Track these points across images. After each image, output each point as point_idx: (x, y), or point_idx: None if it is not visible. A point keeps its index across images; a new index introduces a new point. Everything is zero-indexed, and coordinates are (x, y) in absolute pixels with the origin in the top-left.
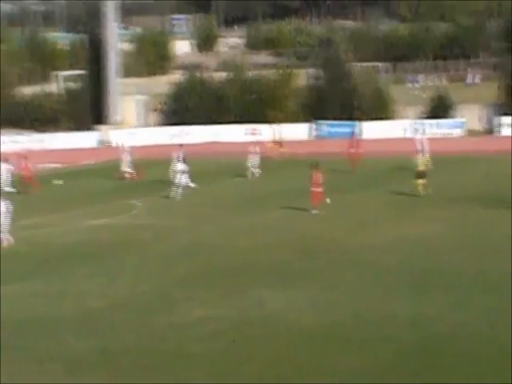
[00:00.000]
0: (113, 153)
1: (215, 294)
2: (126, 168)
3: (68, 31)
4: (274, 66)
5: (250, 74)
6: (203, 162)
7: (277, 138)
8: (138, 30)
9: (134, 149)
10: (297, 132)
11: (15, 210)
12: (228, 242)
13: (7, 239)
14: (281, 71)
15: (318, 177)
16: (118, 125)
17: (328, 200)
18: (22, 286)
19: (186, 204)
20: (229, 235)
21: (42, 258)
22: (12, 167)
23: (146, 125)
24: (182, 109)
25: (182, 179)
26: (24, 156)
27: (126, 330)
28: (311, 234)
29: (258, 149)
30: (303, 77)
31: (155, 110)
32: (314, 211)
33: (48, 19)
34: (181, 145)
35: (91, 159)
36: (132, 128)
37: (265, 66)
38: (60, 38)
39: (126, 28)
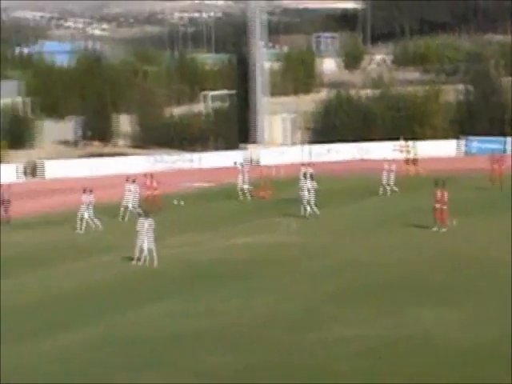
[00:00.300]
0: (256, 172)
1: (361, 311)
2: (244, 186)
3: (216, 52)
4: (421, 82)
5: (398, 90)
6: (348, 179)
7: (412, 155)
8: (285, 48)
9: (280, 167)
10: (445, 148)
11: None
12: (373, 258)
13: (152, 258)
14: (428, 87)
15: (444, 194)
16: (265, 144)
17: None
18: (167, 303)
19: (326, 222)
20: (373, 252)
21: (185, 276)
22: (138, 187)
23: (293, 143)
24: (328, 126)
25: (310, 198)
26: (150, 175)
27: (271, 347)
28: (451, 250)
29: (393, 166)
30: (451, 93)
31: (305, 129)
32: (442, 229)
33: (196, 40)
34: (309, 163)
35: (234, 178)
36: (279, 146)
37: (412, 82)
38: (208, 59)
39: (273, 47)
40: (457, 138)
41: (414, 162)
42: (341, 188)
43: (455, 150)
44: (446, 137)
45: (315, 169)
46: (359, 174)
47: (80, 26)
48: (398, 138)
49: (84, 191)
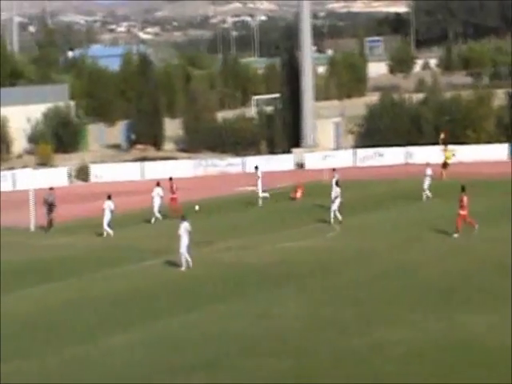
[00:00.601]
0: (308, 175)
1: (413, 315)
2: (262, 193)
3: (261, 55)
4: (471, 86)
5: (447, 94)
6: (392, 183)
7: (445, 159)
8: (330, 52)
9: (324, 171)
10: (495, 153)
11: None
12: (426, 262)
13: (187, 261)
14: (478, 91)
15: (464, 200)
16: (312, 147)
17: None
18: (221, 307)
19: (377, 225)
20: (425, 256)
21: (239, 280)
22: (162, 191)
23: (341, 147)
24: (375, 131)
25: (333, 205)
26: (170, 180)
27: (323, 350)
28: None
29: (430, 171)
30: (502, 97)
31: (351, 133)
32: (455, 235)
33: (242, 44)
34: (333, 169)
35: (286, 182)
36: (326, 150)
37: (462, 86)
38: (256, 63)
39: (320, 51)
40: (509, 142)
41: (445, 166)
42: (383, 192)
43: (506, 154)
44: (497, 141)
45: (360, 173)
46: (404, 178)
47: (130, 29)
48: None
49: (109, 197)
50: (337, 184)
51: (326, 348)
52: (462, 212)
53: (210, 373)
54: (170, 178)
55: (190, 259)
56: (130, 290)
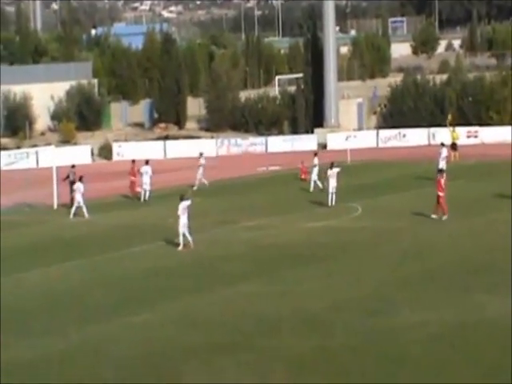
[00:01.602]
0: (331, 156)
1: (435, 296)
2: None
3: (285, 35)
4: (494, 67)
5: (470, 75)
6: (414, 164)
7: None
8: (353, 32)
9: (346, 152)
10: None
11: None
12: (448, 244)
13: (188, 241)
14: (504, 73)
15: (441, 182)
16: (335, 128)
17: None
18: (243, 286)
19: (400, 207)
20: (447, 237)
21: (262, 259)
22: (150, 169)
23: (364, 128)
24: (398, 112)
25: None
26: (132, 162)
27: (347, 331)
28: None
29: (445, 152)
30: None
31: (374, 113)
32: (433, 215)
33: (266, 24)
34: (315, 153)
35: (308, 162)
36: (349, 131)
37: (486, 67)
38: (279, 42)
39: (343, 31)
40: None
41: (454, 147)
42: (405, 173)
43: None
44: None
45: (383, 154)
46: (426, 159)
47: (153, 8)
48: (470, 124)
49: (80, 179)
50: (331, 166)
51: (349, 329)
52: (441, 194)
53: (232, 352)
54: (133, 161)
55: (190, 238)
56: (151, 268)
